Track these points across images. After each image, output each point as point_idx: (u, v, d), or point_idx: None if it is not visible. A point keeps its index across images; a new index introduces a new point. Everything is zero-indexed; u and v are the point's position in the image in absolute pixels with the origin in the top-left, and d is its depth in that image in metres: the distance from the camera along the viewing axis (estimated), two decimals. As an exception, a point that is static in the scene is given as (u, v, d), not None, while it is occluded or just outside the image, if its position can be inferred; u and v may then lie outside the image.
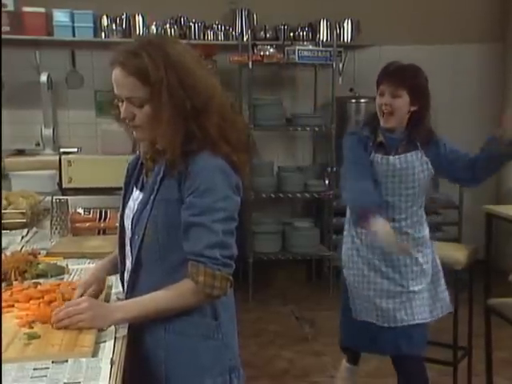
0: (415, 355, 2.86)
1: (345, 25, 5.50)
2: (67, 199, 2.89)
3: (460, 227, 5.36)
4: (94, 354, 1.51)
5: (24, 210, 3.00)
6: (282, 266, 5.56)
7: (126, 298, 1.74)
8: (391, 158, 2.73)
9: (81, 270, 2.25)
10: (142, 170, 1.78)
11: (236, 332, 1.79)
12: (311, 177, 5.45)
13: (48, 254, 2.42)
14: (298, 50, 5.12)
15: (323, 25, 5.47)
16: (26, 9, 5.01)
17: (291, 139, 5.81)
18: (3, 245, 2.52)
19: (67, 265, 2.27)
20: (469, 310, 3.44)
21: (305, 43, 5.29)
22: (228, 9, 5.48)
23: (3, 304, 1.77)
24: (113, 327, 1.64)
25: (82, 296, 1.76)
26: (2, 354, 1.45)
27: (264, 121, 5.17)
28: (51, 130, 5.06)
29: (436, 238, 3.65)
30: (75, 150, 4.70)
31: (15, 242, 2.67)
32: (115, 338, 1.61)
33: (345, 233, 2.91)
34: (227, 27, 5.41)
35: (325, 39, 5.42)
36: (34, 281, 2.06)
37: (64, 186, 4.19)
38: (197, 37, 5.28)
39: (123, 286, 1.81)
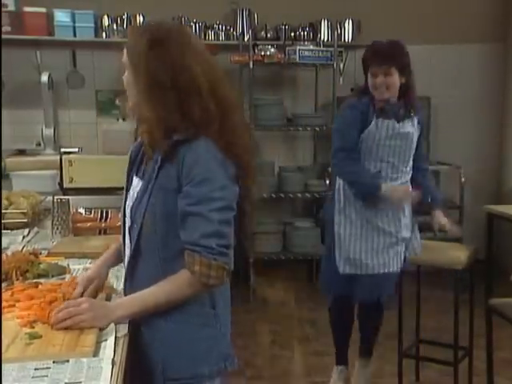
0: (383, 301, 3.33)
1: (346, 25, 5.50)
2: (68, 199, 2.89)
3: (461, 227, 5.35)
4: (95, 353, 1.50)
5: (25, 210, 3.00)
6: (283, 266, 5.56)
7: (125, 286, 1.76)
8: (398, 124, 3.11)
9: (82, 270, 2.25)
10: (143, 157, 1.77)
11: (230, 321, 1.81)
12: (312, 177, 5.45)
13: (49, 254, 2.42)
14: (299, 49, 5.12)
15: (324, 25, 5.47)
16: (27, 9, 5.01)
17: (292, 139, 5.81)
18: (4, 245, 2.52)
19: (68, 265, 2.27)
20: (470, 310, 3.44)
21: (306, 43, 5.29)
22: (229, 9, 5.48)
23: (4, 304, 1.77)
24: (113, 325, 1.64)
25: (82, 294, 1.77)
26: (1, 353, 1.45)
27: (265, 121, 5.17)
28: (52, 130, 5.06)
29: (437, 238, 3.68)
30: (76, 149, 4.70)
31: (16, 242, 2.67)
32: (116, 337, 1.61)
33: (336, 196, 3.25)
34: (228, 27, 5.41)
35: (326, 39, 5.42)
36: (35, 281, 2.06)
37: (65, 185, 4.19)
38: (198, 37, 5.28)
39: None
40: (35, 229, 2.94)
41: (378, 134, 3.11)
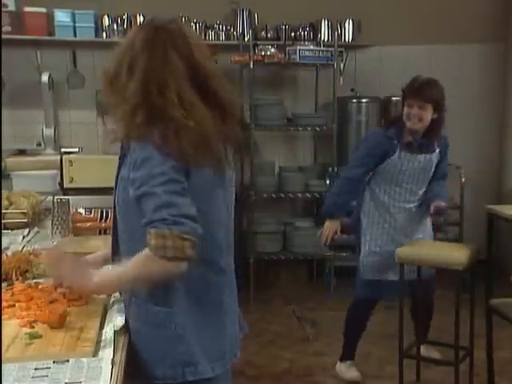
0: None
1: (346, 25, 5.50)
2: (68, 199, 2.89)
3: (461, 227, 5.35)
4: (95, 353, 1.51)
5: (25, 210, 3.00)
6: (283, 266, 5.56)
7: None
8: (421, 156, 3.46)
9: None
10: None
11: (205, 326, 1.71)
12: (312, 177, 5.45)
13: (49, 254, 2.42)
14: (299, 49, 5.12)
15: (324, 25, 5.47)
16: (27, 9, 5.01)
17: (292, 139, 5.81)
18: (4, 245, 2.52)
19: (68, 265, 2.26)
20: (470, 310, 3.43)
21: (306, 43, 5.29)
22: (229, 9, 5.48)
23: (4, 304, 1.77)
24: (112, 325, 1.64)
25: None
26: (1, 353, 1.44)
27: (265, 121, 5.17)
28: (52, 130, 5.06)
29: (437, 239, 3.67)
30: (76, 149, 4.70)
31: (16, 242, 2.67)
32: (115, 337, 1.61)
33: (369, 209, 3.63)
34: (228, 27, 5.41)
35: (326, 39, 5.42)
36: (35, 281, 2.06)
37: (65, 185, 4.19)
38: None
39: None
40: (35, 229, 2.94)
41: (399, 165, 3.46)
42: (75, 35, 5.10)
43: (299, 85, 5.74)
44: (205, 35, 5.33)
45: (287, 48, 5.24)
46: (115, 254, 1.76)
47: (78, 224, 2.81)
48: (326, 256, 5.36)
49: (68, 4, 5.05)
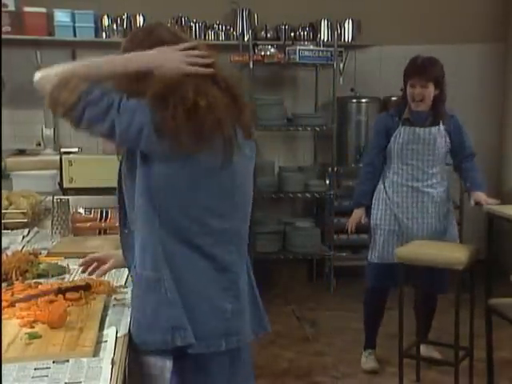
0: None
1: (346, 25, 5.50)
2: (68, 199, 2.90)
3: (461, 227, 5.35)
4: (95, 353, 1.51)
5: (25, 210, 3.00)
6: (283, 266, 5.55)
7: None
8: (417, 128, 3.57)
9: (82, 270, 2.25)
10: None
11: (196, 293, 1.70)
12: (312, 177, 5.45)
13: (49, 254, 2.43)
14: (299, 49, 5.12)
15: (324, 25, 5.46)
16: (27, 9, 5.01)
17: (292, 139, 5.80)
18: (4, 245, 2.52)
19: (68, 265, 2.27)
20: (470, 310, 3.43)
21: (306, 43, 5.29)
22: (229, 9, 5.48)
23: (4, 304, 1.77)
24: (113, 327, 1.64)
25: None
26: (1, 353, 1.44)
27: (265, 121, 5.16)
28: (52, 130, 5.06)
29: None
30: (76, 149, 4.70)
31: (16, 242, 2.67)
32: (116, 337, 1.61)
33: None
34: (228, 27, 5.41)
35: (326, 39, 5.42)
36: (34, 281, 2.06)
37: (65, 185, 4.19)
38: (198, 37, 5.27)
39: None
40: (35, 229, 2.95)
41: (400, 139, 3.59)
42: (75, 35, 5.10)
43: (299, 85, 5.74)
44: (204, 35, 5.33)
45: (287, 48, 5.24)
46: (125, 227, 1.79)
47: (78, 224, 2.82)
48: (326, 256, 5.36)
49: (68, 4, 5.05)
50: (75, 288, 1.90)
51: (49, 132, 5.03)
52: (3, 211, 2.92)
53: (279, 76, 5.67)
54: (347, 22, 5.49)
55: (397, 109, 3.69)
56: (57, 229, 2.77)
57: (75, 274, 2.20)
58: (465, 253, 3.34)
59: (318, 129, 5.36)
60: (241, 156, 1.76)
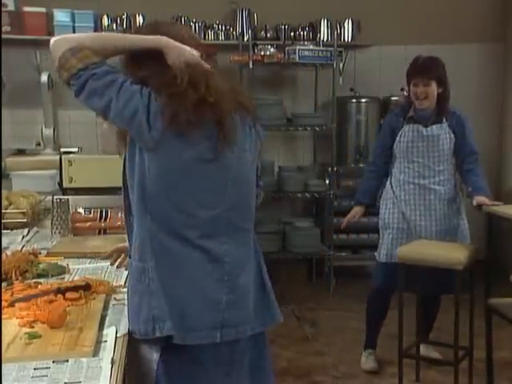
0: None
1: (345, 24, 5.50)
2: (68, 199, 2.89)
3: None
4: (95, 353, 1.51)
5: (25, 210, 3.00)
6: (283, 266, 5.55)
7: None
8: (421, 126, 3.62)
9: (81, 270, 2.25)
10: None
11: (190, 285, 1.70)
12: (312, 176, 5.45)
13: (49, 254, 2.43)
14: (299, 49, 5.12)
15: (324, 24, 5.46)
16: (27, 9, 5.01)
17: (292, 139, 5.81)
18: (4, 244, 2.52)
19: (68, 264, 2.27)
20: (470, 310, 3.43)
21: (305, 43, 5.29)
22: (229, 8, 5.48)
23: (4, 304, 1.77)
24: (113, 327, 1.64)
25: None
26: (1, 353, 1.44)
27: (265, 121, 5.07)
28: (52, 130, 5.06)
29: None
30: (76, 149, 4.70)
31: (16, 242, 2.67)
32: (116, 337, 1.61)
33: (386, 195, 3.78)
34: (228, 27, 5.41)
35: (325, 39, 5.42)
36: (34, 280, 2.06)
37: (65, 185, 4.18)
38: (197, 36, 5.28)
39: None
40: (35, 229, 2.95)
41: (406, 138, 3.65)
42: (75, 35, 5.09)
43: (299, 85, 5.74)
44: (204, 35, 5.33)
45: (287, 48, 5.24)
46: (130, 215, 1.80)
47: (78, 224, 2.82)
48: (326, 256, 5.36)
49: (67, 4, 5.05)
50: (75, 288, 1.90)
51: (48, 132, 5.03)
52: (3, 211, 2.92)
53: (279, 76, 5.67)
54: (347, 21, 5.49)
55: (402, 108, 3.77)
56: (56, 229, 2.77)
57: (75, 273, 2.20)
58: (464, 253, 3.34)
59: (317, 129, 5.36)
60: (238, 149, 1.76)
